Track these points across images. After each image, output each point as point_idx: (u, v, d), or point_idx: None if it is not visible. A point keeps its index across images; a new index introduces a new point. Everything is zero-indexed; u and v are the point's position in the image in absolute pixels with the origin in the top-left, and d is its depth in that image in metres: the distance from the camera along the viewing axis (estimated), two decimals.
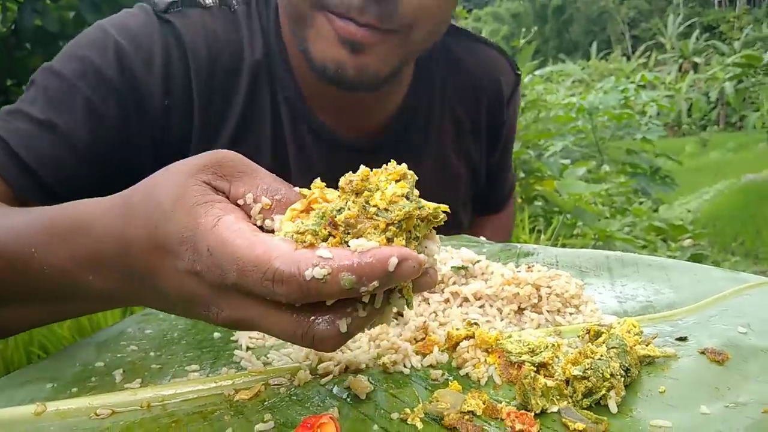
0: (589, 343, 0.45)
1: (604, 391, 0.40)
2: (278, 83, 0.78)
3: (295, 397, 0.43)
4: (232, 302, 0.38)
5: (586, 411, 0.39)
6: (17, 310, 0.51)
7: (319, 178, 0.40)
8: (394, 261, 0.33)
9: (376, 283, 0.33)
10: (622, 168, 4.11)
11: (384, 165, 0.38)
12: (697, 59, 17.70)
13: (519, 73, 1.00)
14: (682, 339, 0.47)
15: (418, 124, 0.87)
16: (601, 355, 0.41)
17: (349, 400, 0.42)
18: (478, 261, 0.56)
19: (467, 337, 0.47)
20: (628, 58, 17.83)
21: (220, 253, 0.36)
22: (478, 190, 0.99)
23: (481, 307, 0.52)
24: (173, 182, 0.40)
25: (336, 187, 0.38)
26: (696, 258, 3.16)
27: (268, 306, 0.36)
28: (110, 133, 0.69)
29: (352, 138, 0.83)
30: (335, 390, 0.43)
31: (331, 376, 0.45)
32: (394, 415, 0.40)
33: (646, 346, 0.45)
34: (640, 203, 4.02)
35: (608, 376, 0.40)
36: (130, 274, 0.42)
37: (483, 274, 0.56)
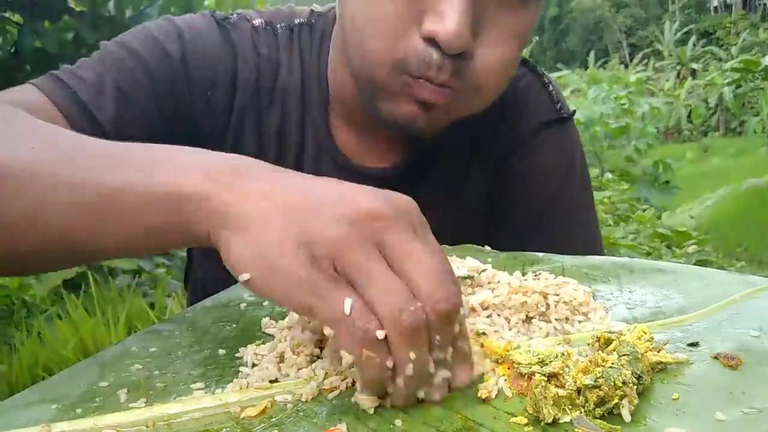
0: (600, 351, 0.44)
1: (616, 400, 0.39)
2: (308, 108, 0.83)
3: (302, 413, 0.42)
4: None
5: (599, 420, 0.38)
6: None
7: None
8: None
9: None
10: (623, 175, 4.12)
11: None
12: (695, 65, 17.77)
13: (564, 112, 0.89)
14: (694, 344, 0.46)
15: (442, 156, 0.87)
16: (613, 363, 0.41)
17: (357, 414, 0.41)
18: (484, 270, 0.56)
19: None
20: (626, 66, 17.89)
21: None
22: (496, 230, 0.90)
23: (488, 316, 0.52)
24: None
25: None
26: (701, 264, 3.15)
27: None
28: (164, 101, 0.77)
29: (370, 168, 0.85)
30: (343, 405, 0.43)
31: (338, 390, 0.44)
32: (397, 421, 0.39)
33: (658, 352, 0.44)
34: (644, 210, 4.02)
35: (620, 385, 0.39)
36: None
37: (489, 283, 0.55)
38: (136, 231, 0.48)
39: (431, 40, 0.64)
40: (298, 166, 0.83)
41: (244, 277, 0.42)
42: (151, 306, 2.58)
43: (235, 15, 0.84)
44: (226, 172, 0.46)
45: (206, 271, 0.95)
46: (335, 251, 0.40)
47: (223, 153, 0.50)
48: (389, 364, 0.39)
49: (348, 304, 0.39)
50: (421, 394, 0.41)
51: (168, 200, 0.46)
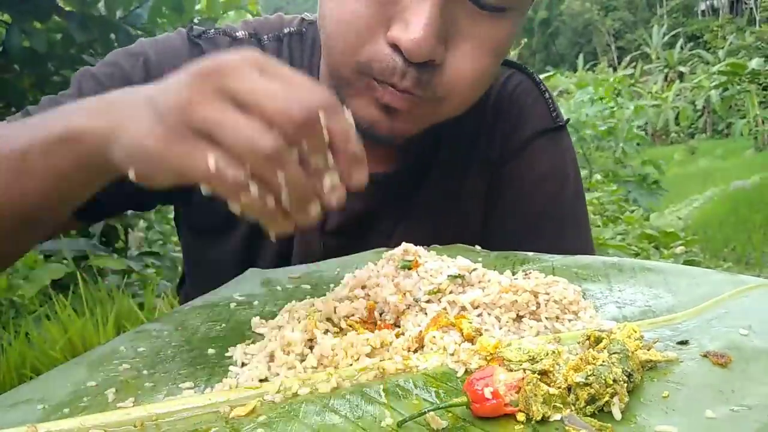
0: (590, 349, 0.44)
1: (607, 398, 0.39)
2: None
3: (291, 413, 0.42)
4: None
5: (589, 418, 0.38)
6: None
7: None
8: None
9: None
10: (611, 177, 4.14)
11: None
12: (682, 68, 17.92)
13: (560, 121, 0.88)
14: (684, 343, 0.47)
15: (440, 160, 0.86)
16: (603, 361, 0.41)
17: (347, 414, 0.41)
18: (474, 269, 0.56)
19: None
20: (615, 69, 17.99)
21: None
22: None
23: (478, 315, 0.52)
24: None
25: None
26: (688, 264, 3.17)
27: None
28: None
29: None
30: (333, 403, 0.42)
31: (328, 389, 0.44)
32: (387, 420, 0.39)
33: (648, 350, 0.44)
34: (632, 212, 4.04)
35: (611, 382, 0.39)
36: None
37: (480, 282, 0.55)
38: (48, 179, 0.55)
39: (396, 47, 0.64)
40: None
41: (131, 174, 0.47)
42: (141, 306, 2.56)
43: (213, 30, 0.83)
44: (103, 102, 0.53)
45: (196, 285, 0.94)
46: (185, 114, 0.45)
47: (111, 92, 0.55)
48: (269, 200, 0.44)
49: (211, 160, 0.43)
50: (316, 208, 0.46)
51: (64, 143, 0.52)
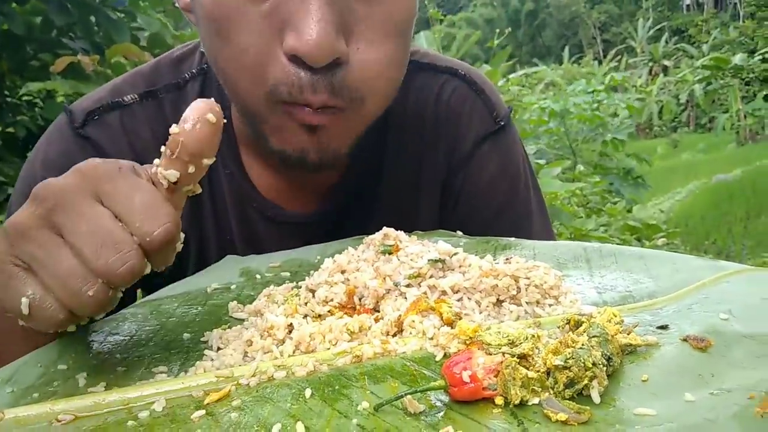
0: (570, 333, 0.44)
1: (586, 381, 0.38)
2: (219, 163, 0.77)
3: (266, 397, 0.41)
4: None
5: (568, 401, 0.38)
6: None
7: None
8: None
9: None
10: (595, 169, 4.16)
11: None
12: (666, 62, 18.05)
13: (501, 120, 0.85)
14: (664, 327, 0.46)
15: (367, 181, 0.82)
16: (583, 344, 0.40)
17: (324, 396, 0.40)
18: (455, 253, 0.55)
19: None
20: (600, 62, 18.06)
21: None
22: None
23: (459, 300, 0.51)
24: None
25: None
26: None
27: None
28: None
29: (299, 211, 0.81)
30: (309, 387, 0.42)
31: (304, 373, 0.43)
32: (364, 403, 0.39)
33: (627, 335, 0.44)
34: (615, 203, 4.06)
35: (590, 366, 0.39)
36: None
37: (460, 266, 0.54)
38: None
39: (296, 58, 0.59)
40: (219, 219, 0.80)
41: None
42: None
43: (99, 107, 0.76)
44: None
45: None
46: (10, 244, 0.45)
47: None
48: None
49: (25, 304, 0.43)
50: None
51: None
